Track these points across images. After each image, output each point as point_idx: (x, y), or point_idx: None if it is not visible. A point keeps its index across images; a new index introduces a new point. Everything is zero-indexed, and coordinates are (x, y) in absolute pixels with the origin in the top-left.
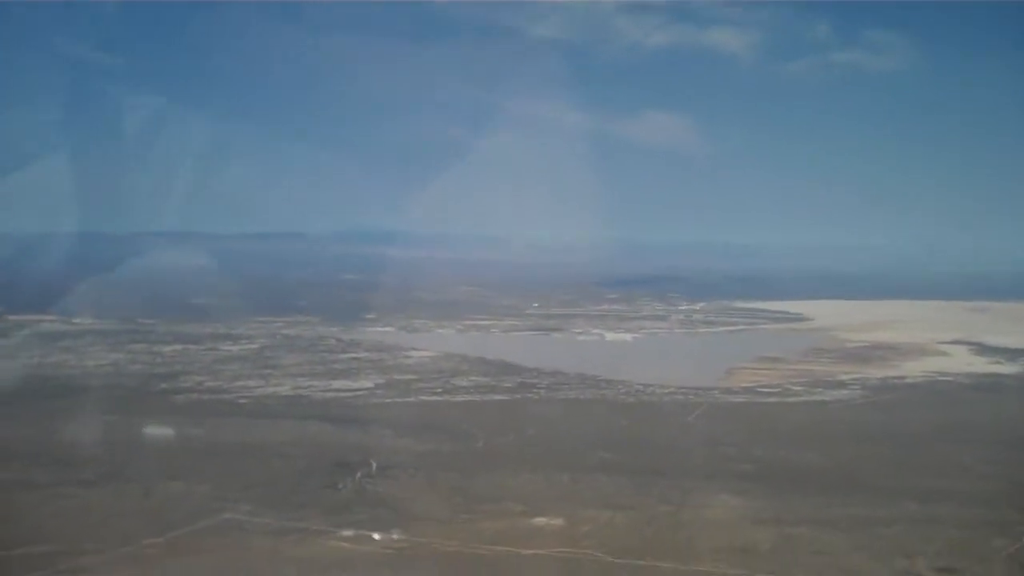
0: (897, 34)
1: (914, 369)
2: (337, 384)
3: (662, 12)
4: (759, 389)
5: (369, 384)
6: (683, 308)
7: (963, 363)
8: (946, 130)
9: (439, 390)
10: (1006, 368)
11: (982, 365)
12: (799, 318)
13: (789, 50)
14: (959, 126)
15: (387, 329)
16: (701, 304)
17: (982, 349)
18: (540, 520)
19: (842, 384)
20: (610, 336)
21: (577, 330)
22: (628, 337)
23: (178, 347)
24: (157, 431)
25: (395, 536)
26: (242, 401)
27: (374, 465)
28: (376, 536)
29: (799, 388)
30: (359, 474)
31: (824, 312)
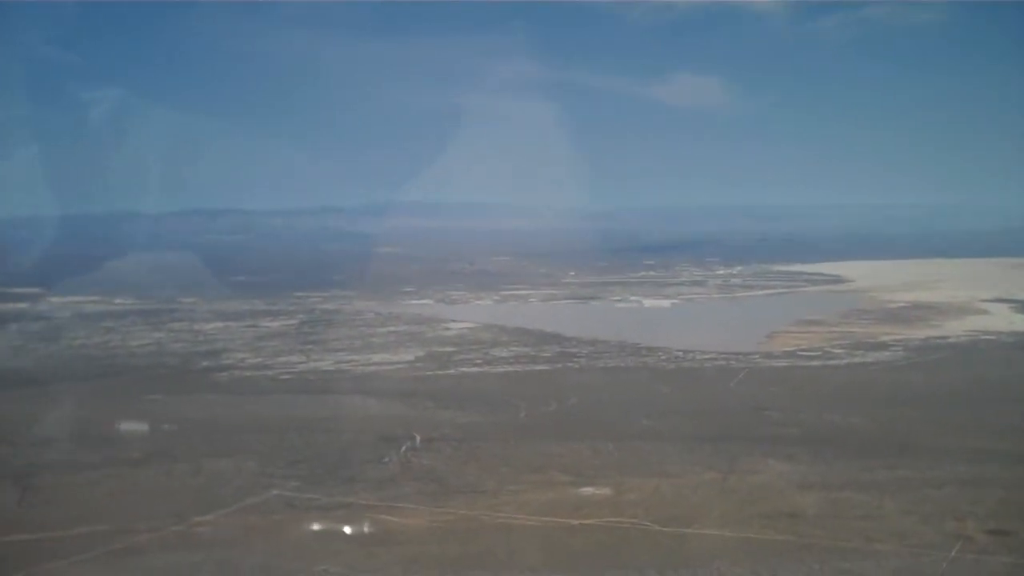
0: None
1: (955, 329)
2: (377, 358)
3: None
4: (800, 353)
5: (409, 357)
6: (720, 272)
7: (1005, 321)
8: (979, 84)
9: (479, 361)
10: None
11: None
12: (837, 279)
13: (820, 6)
14: (992, 80)
15: (425, 302)
16: (738, 268)
17: (1022, 307)
18: (587, 490)
19: (884, 345)
20: (648, 303)
21: (615, 297)
22: (666, 303)
23: (219, 325)
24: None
25: (443, 509)
26: (284, 377)
27: (418, 438)
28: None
29: (840, 351)
30: (404, 447)
31: (862, 273)
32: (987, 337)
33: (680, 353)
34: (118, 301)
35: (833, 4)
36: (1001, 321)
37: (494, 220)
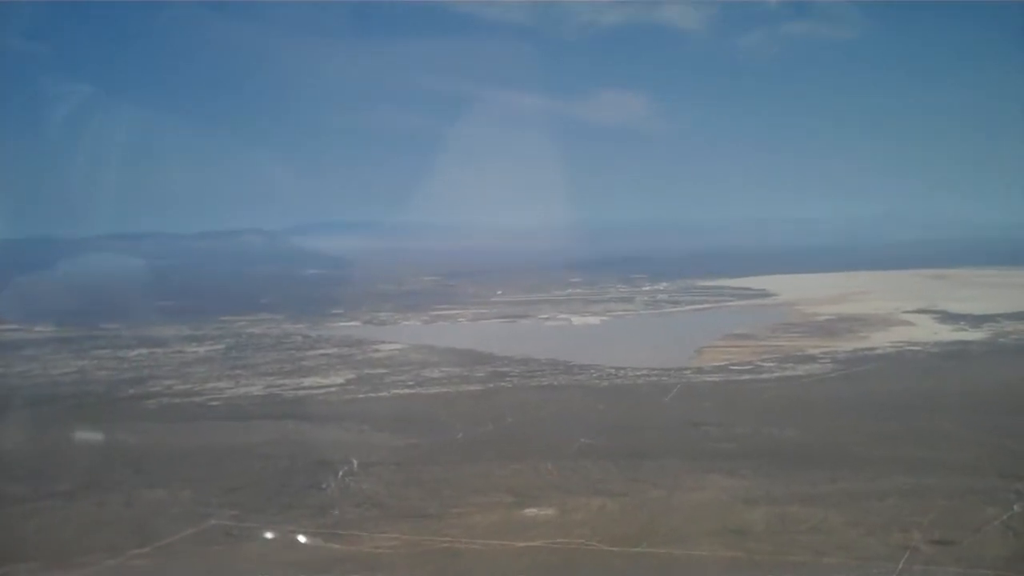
0: (849, 2)
1: (882, 340)
2: (308, 381)
3: None
4: (731, 367)
5: (340, 380)
6: (647, 289)
7: (929, 332)
8: (899, 99)
9: (411, 383)
10: (971, 335)
11: (947, 333)
12: (763, 294)
13: (742, 23)
14: (912, 95)
15: (353, 323)
16: (664, 284)
17: (945, 317)
18: (532, 511)
19: (813, 358)
20: (577, 320)
21: (544, 315)
22: (595, 320)
23: (143, 351)
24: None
25: (387, 534)
26: (214, 403)
27: (355, 462)
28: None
29: (771, 364)
30: (341, 472)
31: (787, 287)
32: (913, 348)
33: (612, 370)
34: (38, 329)
35: (755, 22)
36: (925, 332)
37: (419, 240)
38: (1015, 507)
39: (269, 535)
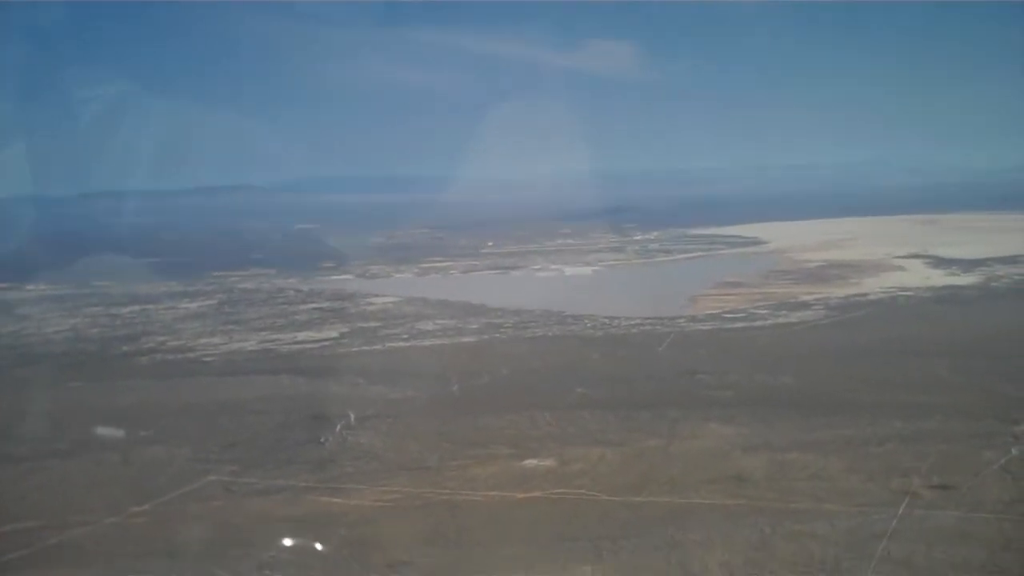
0: None
1: (874, 286)
2: (302, 336)
3: None
4: (724, 315)
5: (334, 334)
6: (638, 238)
7: (921, 277)
8: (889, 47)
9: (405, 336)
10: (963, 279)
11: (939, 278)
12: (754, 241)
13: None
14: (901, 43)
15: (345, 277)
16: (656, 233)
17: (937, 262)
18: (531, 462)
19: (806, 305)
20: (569, 271)
21: (536, 266)
22: (587, 270)
23: (136, 308)
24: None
25: (387, 488)
26: (208, 359)
27: (352, 416)
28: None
29: (764, 311)
30: (339, 426)
31: (778, 234)
32: (905, 293)
33: (606, 320)
34: (29, 287)
35: None
36: (917, 277)
37: (409, 193)
38: (1013, 451)
39: (269, 490)
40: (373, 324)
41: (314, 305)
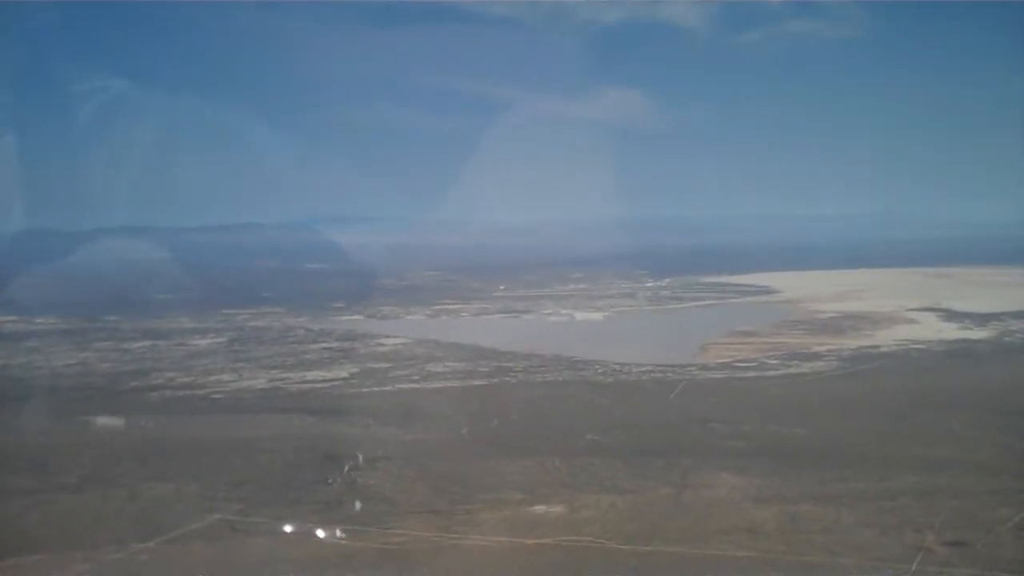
0: (851, 1)
1: (886, 338)
2: (312, 375)
3: None
4: (736, 364)
5: (344, 374)
6: (650, 285)
7: (933, 330)
8: (900, 97)
9: (416, 377)
10: (976, 334)
11: (952, 332)
12: (766, 290)
13: (743, 21)
14: (912, 92)
15: (355, 317)
16: (667, 280)
17: (950, 315)
18: (540, 508)
19: (818, 356)
20: (580, 316)
21: (547, 311)
22: (598, 316)
23: (146, 343)
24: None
25: (395, 531)
26: (217, 396)
27: (361, 457)
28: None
29: (776, 361)
30: (347, 467)
31: (790, 284)
32: (917, 346)
33: (617, 366)
34: (39, 320)
35: (757, 20)
36: (929, 330)
37: (420, 235)
38: None
39: (276, 530)
40: (383, 365)
41: (324, 345)
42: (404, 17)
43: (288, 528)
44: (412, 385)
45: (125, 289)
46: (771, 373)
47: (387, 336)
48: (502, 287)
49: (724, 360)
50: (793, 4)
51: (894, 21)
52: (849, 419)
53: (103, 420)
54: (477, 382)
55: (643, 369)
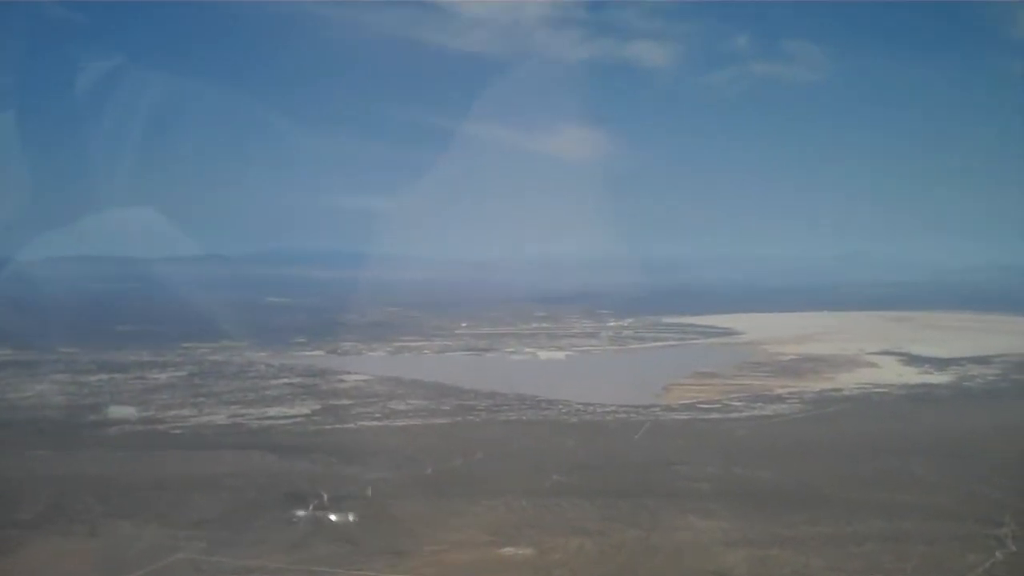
0: (814, 44)
1: (848, 381)
2: (273, 411)
3: (584, 26)
4: (699, 405)
5: (306, 410)
6: (612, 324)
7: (894, 374)
8: (864, 141)
9: (378, 415)
10: (936, 378)
11: (913, 376)
12: (728, 332)
13: (709, 62)
14: (874, 135)
15: (316, 353)
16: (629, 320)
17: (910, 359)
18: (509, 550)
19: (781, 398)
20: (543, 355)
21: (509, 349)
22: (561, 355)
23: (103, 376)
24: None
25: (361, 572)
26: (177, 432)
27: (325, 496)
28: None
29: (739, 404)
30: (312, 506)
31: (751, 325)
32: (879, 390)
33: (580, 406)
34: None
35: (722, 59)
36: (891, 374)
37: (380, 270)
38: (997, 554)
39: (240, 570)
40: (345, 402)
41: (285, 380)
42: (371, 52)
43: (252, 568)
44: (374, 423)
45: (82, 320)
46: (734, 415)
47: (348, 372)
48: (464, 324)
49: (687, 401)
50: (758, 46)
51: (859, 65)
52: (813, 462)
53: (58, 455)
54: (440, 420)
55: (607, 409)
